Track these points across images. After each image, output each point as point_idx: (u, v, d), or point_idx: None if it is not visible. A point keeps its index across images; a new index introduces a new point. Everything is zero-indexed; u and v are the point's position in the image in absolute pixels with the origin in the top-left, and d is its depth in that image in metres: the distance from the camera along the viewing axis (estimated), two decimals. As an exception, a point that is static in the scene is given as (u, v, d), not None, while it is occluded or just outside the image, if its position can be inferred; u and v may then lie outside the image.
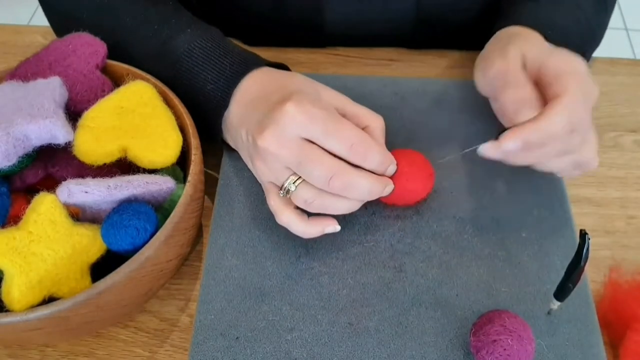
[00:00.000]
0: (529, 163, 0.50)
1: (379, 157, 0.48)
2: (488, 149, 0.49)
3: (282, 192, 0.49)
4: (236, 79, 0.53)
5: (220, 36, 0.58)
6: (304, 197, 0.48)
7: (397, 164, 0.50)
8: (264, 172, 0.50)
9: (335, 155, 0.47)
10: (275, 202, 0.50)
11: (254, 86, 0.53)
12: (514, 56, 0.53)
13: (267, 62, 0.56)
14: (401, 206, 0.55)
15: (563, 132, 0.47)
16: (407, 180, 0.51)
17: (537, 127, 0.47)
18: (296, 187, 0.48)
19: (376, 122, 0.52)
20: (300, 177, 0.48)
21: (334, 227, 0.50)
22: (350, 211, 0.50)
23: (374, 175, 0.48)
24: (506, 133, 0.47)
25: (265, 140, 0.47)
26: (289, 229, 0.50)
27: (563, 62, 0.51)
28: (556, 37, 0.55)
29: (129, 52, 0.57)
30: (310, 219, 0.50)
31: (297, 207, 0.50)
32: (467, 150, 0.50)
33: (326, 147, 0.47)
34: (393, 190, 0.50)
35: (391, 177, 0.50)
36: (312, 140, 0.47)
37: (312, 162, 0.46)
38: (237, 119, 0.53)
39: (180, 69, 0.55)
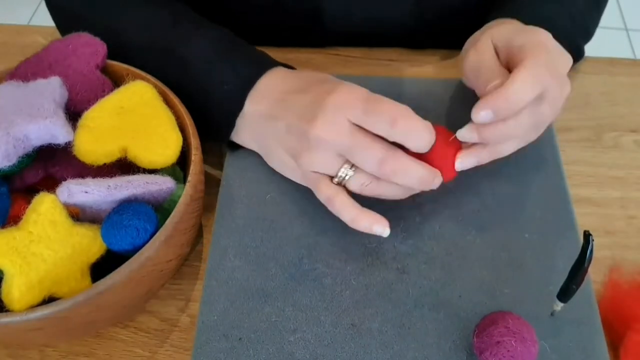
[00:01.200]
0: (507, 139, 0.50)
1: (424, 133, 0.47)
2: (465, 133, 0.49)
3: (336, 179, 0.49)
4: (252, 79, 0.54)
5: (231, 36, 0.58)
6: (360, 181, 0.49)
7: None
8: (313, 163, 0.49)
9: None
10: (327, 190, 0.49)
11: (276, 83, 0.53)
12: (484, 44, 0.54)
13: (279, 63, 0.56)
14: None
15: (528, 98, 0.47)
16: (441, 157, 0.50)
17: (503, 93, 0.47)
18: (354, 172, 0.48)
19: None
20: (352, 165, 0.48)
21: (383, 229, 0.49)
22: (404, 196, 0.50)
23: (424, 163, 0.48)
24: (476, 105, 0.47)
25: (317, 128, 0.47)
26: (341, 215, 0.49)
27: (527, 36, 0.51)
28: (543, 27, 0.55)
29: (132, 51, 0.56)
30: (364, 210, 0.49)
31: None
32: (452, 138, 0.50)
33: (375, 129, 0.47)
34: (441, 183, 0.50)
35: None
36: (361, 124, 0.47)
37: (364, 146, 0.47)
38: (267, 113, 0.53)
39: (190, 71, 0.55)
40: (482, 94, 0.51)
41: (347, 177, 0.49)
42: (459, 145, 0.51)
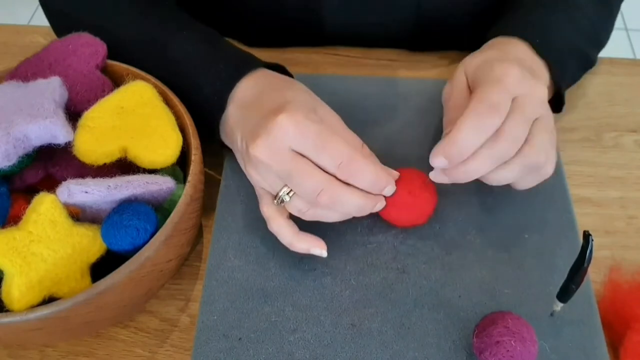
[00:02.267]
0: (476, 177, 0.49)
1: (370, 177, 0.47)
2: (437, 175, 0.50)
3: (276, 200, 0.49)
4: (232, 81, 0.53)
5: (216, 38, 0.58)
6: (298, 207, 0.48)
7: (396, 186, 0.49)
8: (257, 179, 0.50)
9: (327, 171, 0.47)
10: (268, 209, 0.50)
11: (250, 89, 0.53)
12: (457, 78, 0.55)
13: (264, 63, 0.56)
14: (399, 227, 0.54)
15: (477, 141, 0.47)
16: (405, 205, 0.50)
17: (451, 141, 0.47)
18: (290, 197, 0.48)
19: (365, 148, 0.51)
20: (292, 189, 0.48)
21: (320, 250, 0.49)
22: (343, 219, 0.50)
23: (363, 192, 0.48)
24: (432, 152, 0.48)
25: (256, 149, 0.47)
26: (279, 237, 0.50)
27: (485, 72, 0.51)
28: (546, 44, 0.55)
29: (128, 54, 0.56)
30: (300, 233, 0.49)
31: (290, 217, 0.50)
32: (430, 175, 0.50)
33: (316, 162, 0.47)
34: (384, 207, 0.50)
35: (390, 197, 0.49)
36: (303, 153, 0.47)
37: (301, 175, 0.46)
38: (233, 121, 0.53)
39: (177, 72, 0.55)
40: (445, 123, 0.53)
41: (285, 200, 0.48)
42: (433, 198, 0.52)
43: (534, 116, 0.49)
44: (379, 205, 0.49)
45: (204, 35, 0.57)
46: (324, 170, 0.47)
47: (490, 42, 0.57)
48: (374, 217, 0.54)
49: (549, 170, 0.51)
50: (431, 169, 0.50)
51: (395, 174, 0.51)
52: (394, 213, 0.51)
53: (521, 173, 0.50)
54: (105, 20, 0.59)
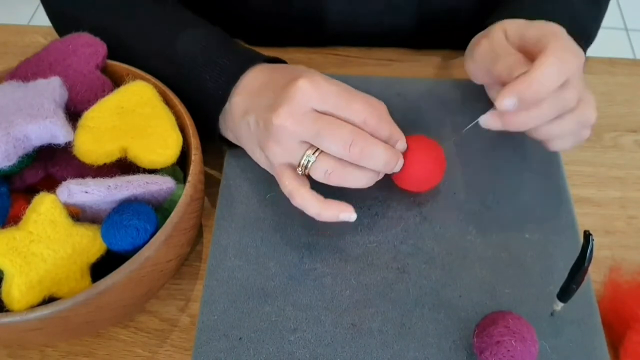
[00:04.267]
0: (531, 126, 0.49)
1: (389, 129, 0.49)
2: (488, 119, 0.49)
3: (300, 168, 0.49)
4: (236, 75, 0.54)
5: (221, 35, 0.58)
6: (324, 168, 0.48)
7: (408, 146, 0.51)
8: (277, 153, 0.49)
9: None
10: (290, 183, 0.49)
11: (256, 78, 0.53)
12: (497, 33, 0.54)
13: (266, 58, 0.56)
14: (414, 192, 0.54)
15: (555, 83, 0.47)
16: (419, 163, 0.51)
17: (529, 80, 0.47)
18: (316, 158, 0.48)
19: (382, 105, 0.52)
20: (317, 149, 0.48)
21: (349, 214, 0.49)
22: (366, 185, 0.50)
23: (389, 145, 0.49)
24: (501, 92, 0.47)
25: (280, 117, 0.47)
26: (305, 210, 0.49)
27: (542, 27, 0.51)
28: None
29: (130, 52, 0.57)
30: (326, 201, 0.49)
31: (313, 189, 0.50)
32: (470, 125, 0.50)
33: (340, 118, 0.47)
34: (403, 165, 0.50)
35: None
36: (326, 112, 0.47)
37: (331, 130, 0.47)
38: (242, 108, 0.53)
39: (181, 68, 0.55)
40: (501, 78, 0.51)
41: (309, 164, 0.48)
42: (443, 156, 0.52)
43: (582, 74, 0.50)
44: (400, 163, 0.50)
45: (209, 32, 0.57)
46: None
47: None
48: (374, 216, 0.54)
49: (590, 131, 0.52)
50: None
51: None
52: (412, 173, 0.51)
53: (572, 128, 0.50)
54: (108, 19, 0.59)
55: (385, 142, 0.49)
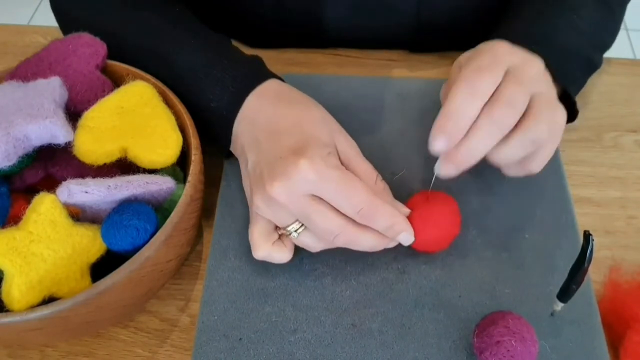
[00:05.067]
0: (480, 154, 0.47)
1: (387, 221, 0.47)
2: (442, 167, 0.48)
3: (282, 230, 0.49)
4: (241, 95, 0.53)
5: (224, 46, 0.58)
6: (306, 242, 0.49)
7: (418, 214, 0.49)
8: (262, 210, 0.48)
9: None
10: (258, 235, 0.49)
11: (260, 106, 0.53)
12: (452, 74, 0.54)
13: (270, 74, 0.56)
14: (431, 252, 0.53)
15: (470, 107, 0.46)
16: (427, 231, 0.49)
17: (444, 113, 0.46)
18: (298, 234, 0.48)
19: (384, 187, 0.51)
20: (302, 225, 0.48)
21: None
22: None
23: (378, 233, 0.48)
24: (429, 139, 0.47)
25: (274, 190, 0.46)
26: (269, 260, 0.50)
27: (473, 52, 0.51)
28: (543, 48, 0.54)
29: (137, 60, 0.56)
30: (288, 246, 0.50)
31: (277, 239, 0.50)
32: (432, 182, 0.49)
33: (335, 206, 0.47)
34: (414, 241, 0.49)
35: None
36: (322, 198, 0.47)
37: (320, 219, 0.46)
38: (245, 141, 0.52)
39: (183, 84, 0.55)
40: None
41: (291, 234, 0.49)
42: (457, 221, 0.50)
43: (531, 88, 0.48)
44: (392, 244, 0.49)
45: (210, 45, 0.57)
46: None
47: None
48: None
49: (548, 153, 0.50)
50: (431, 175, 0.48)
51: (407, 210, 0.49)
52: (421, 243, 0.49)
53: (523, 149, 0.48)
54: (112, 26, 0.59)
55: (384, 231, 0.47)
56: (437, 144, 0.46)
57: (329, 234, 0.47)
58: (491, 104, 0.46)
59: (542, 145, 0.49)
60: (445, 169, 0.47)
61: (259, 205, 0.48)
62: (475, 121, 0.46)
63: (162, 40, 0.57)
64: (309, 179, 0.46)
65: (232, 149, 0.55)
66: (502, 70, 0.48)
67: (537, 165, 0.50)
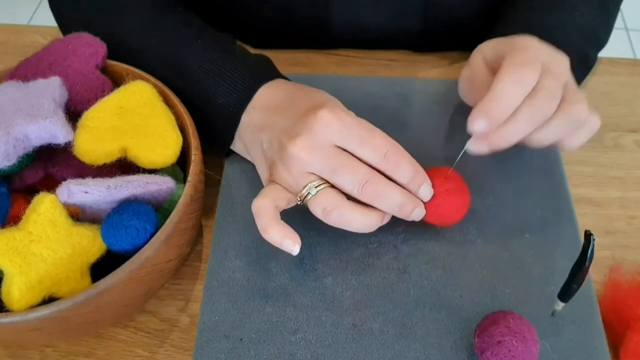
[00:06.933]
0: (517, 139, 0.49)
1: (411, 169, 0.48)
2: (474, 145, 0.49)
3: (298, 197, 0.48)
4: (249, 92, 0.53)
5: (230, 45, 0.58)
6: (324, 204, 0.47)
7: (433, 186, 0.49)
8: (283, 177, 0.48)
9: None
10: (269, 190, 0.48)
11: (274, 95, 0.53)
12: (475, 60, 0.55)
13: (278, 74, 0.56)
14: (439, 226, 0.53)
15: (517, 92, 0.47)
16: (446, 200, 0.50)
17: (489, 99, 0.47)
18: (317, 192, 0.47)
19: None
20: (320, 184, 0.47)
21: (293, 245, 0.47)
22: (366, 230, 0.48)
23: (406, 190, 0.48)
24: (469, 117, 0.48)
25: (297, 146, 0.46)
26: (256, 218, 0.48)
27: (509, 43, 0.52)
28: (551, 42, 0.55)
29: (139, 60, 0.56)
30: (280, 222, 0.48)
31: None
32: (460, 156, 0.50)
33: (359, 155, 0.47)
34: (425, 216, 0.49)
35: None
36: (345, 148, 0.47)
37: (347, 168, 0.46)
38: (258, 124, 0.52)
39: (190, 81, 0.55)
40: (473, 104, 0.51)
41: (309, 197, 0.47)
42: (468, 193, 0.51)
43: (563, 78, 0.50)
44: (417, 211, 0.49)
45: (218, 44, 0.57)
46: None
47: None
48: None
49: (595, 123, 0.52)
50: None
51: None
52: (436, 213, 0.50)
53: (565, 129, 0.50)
54: (116, 27, 0.59)
55: (408, 182, 0.48)
56: (478, 124, 0.47)
57: (358, 183, 0.46)
58: (534, 93, 0.48)
59: (582, 125, 0.51)
60: (478, 147, 0.49)
61: (281, 172, 0.48)
62: (518, 108, 0.48)
63: (167, 39, 0.57)
64: (332, 127, 0.46)
65: (236, 146, 0.55)
66: (541, 65, 0.49)
67: (578, 141, 0.52)
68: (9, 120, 0.47)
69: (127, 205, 0.47)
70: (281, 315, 0.49)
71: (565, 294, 0.46)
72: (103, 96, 0.52)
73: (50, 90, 0.50)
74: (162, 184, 0.48)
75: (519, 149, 0.54)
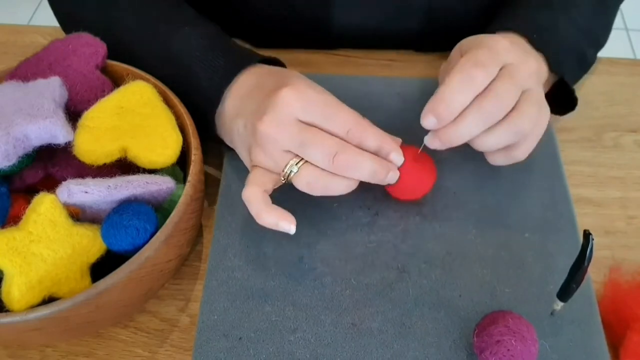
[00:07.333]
0: (464, 139, 0.50)
1: (376, 141, 0.49)
2: (430, 139, 0.50)
3: (282, 177, 0.49)
4: (230, 76, 0.54)
5: (218, 33, 0.58)
6: (307, 179, 0.48)
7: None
8: (262, 159, 0.49)
9: None
10: (249, 177, 0.49)
11: (249, 80, 0.54)
12: (453, 56, 0.56)
13: (261, 58, 0.56)
14: (405, 200, 0.54)
15: (463, 95, 0.48)
16: (410, 173, 0.51)
17: (437, 97, 0.49)
18: (298, 168, 0.48)
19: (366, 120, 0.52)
20: (300, 159, 0.48)
21: (289, 226, 0.48)
22: (350, 189, 0.49)
23: (377, 157, 0.49)
24: (421, 115, 0.49)
25: (264, 124, 0.48)
26: (248, 206, 0.49)
27: (474, 42, 0.53)
28: (543, 38, 0.56)
29: (131, 51, 0.57)
30: (272, 206, 0.49)
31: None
32: (422, 147, 0.51)
33: (325, 129, 0.48)
34: (398, 179, 0.50)
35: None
36: (311, 122, 0.48)
37: (315, 141, 0.47)
38: (233, 110, 0.53)
39: (177, 66, 0.55)
40: None
41: (292, 174, 0.48)
42: (433, 165, 0.53)
43: (523, 85, 0.51)
44: (391, 175, 0.49)
45: (207, 30, 0.58)
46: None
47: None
48: (374, 215, 0.54)
49: (530, 144, 0.52)
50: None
51: (398, 140, 0.52)
52: (400, 185, 0.51)
53: (506, 139, 0.51)
54: (108, 17, 0.59)
55: (376, 151, 0.49)
56: (427, 121, 0.49)
57: (328, 156, 0.47)
58: (483, 96, 0.49)
59: (526, 137, 0.52)
60: (432, 143, 0.51)
61: (257, 155, 0.49)
62: (465, 109, 0.49)
63: (158, 23, 0.58)
64: (294, 103, 0.47)
65: (220, 132, 0.56)
66: (497, 67, 0.50)
67: (521, 154, 0.53)
68: (9, 120, 0.47)
69: (127, 205, 0.47)
70: (280, 315, 0.49)
71: (565, 293, 0.46)
72: (103, 96, 0.52)
73: (50, 90, 0.50)
74: (162, 184, 0.48)
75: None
